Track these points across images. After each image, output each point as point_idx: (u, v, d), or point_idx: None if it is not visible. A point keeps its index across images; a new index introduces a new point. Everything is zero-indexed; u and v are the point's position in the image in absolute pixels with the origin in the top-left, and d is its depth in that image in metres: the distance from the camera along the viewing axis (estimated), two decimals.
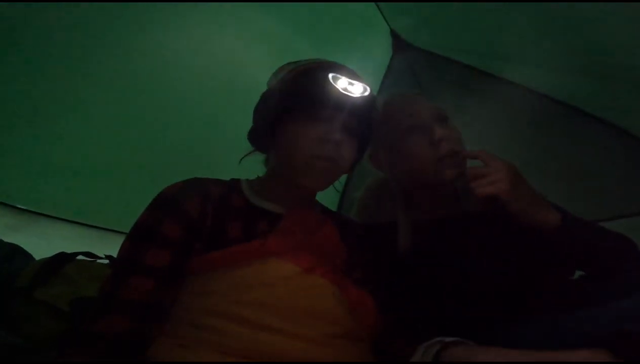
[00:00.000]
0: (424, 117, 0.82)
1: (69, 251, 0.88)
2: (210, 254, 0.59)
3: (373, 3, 1.47)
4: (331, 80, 0.67)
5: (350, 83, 0.68)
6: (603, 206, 1.37)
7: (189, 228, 0.60)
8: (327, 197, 0.85)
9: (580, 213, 0.79)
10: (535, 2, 1.08)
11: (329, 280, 0.61)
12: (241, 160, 0.76)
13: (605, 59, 1.13)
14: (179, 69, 1.23)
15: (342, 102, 0.67)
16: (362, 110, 0.71)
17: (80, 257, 0.90)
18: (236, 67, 1.31)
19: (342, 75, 0.68)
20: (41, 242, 0.96)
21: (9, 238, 0.96)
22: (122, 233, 0.61)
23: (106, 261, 0.89)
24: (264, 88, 0.76)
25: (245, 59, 1.32)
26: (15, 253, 0.95)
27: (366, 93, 0.70)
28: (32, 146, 1.02)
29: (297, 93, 0.68)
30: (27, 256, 0.97)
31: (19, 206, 1.02)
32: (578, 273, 0.78)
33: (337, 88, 0.67)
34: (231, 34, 1.30)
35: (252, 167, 0.78)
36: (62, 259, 0.87)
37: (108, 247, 0.84)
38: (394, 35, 1.59)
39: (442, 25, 1.46)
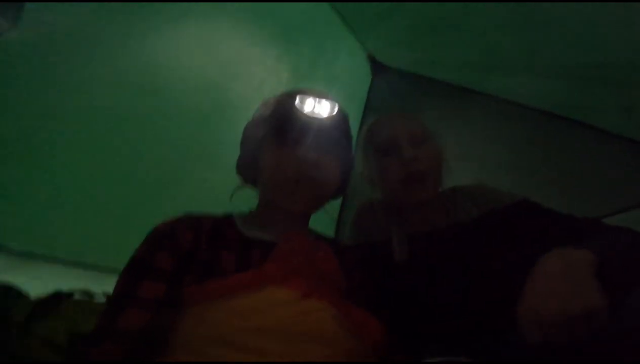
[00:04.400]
0: (397, 139, 0.87)
1: (64, 290, 0.89)
2: (207, 284, 0.60)
3: (346, 28, 1.52)
4: (299, 104, 0.73)
5: (318, 105, 0.74)
6: (594, 205, 1.40)
7: (183, 260, 0.62)
8: (324, 226, 0.87)
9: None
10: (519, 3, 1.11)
11: (328, 302, 0.61)
12: (232, 196, 0.80)
13: (583, 61, 1.18)
14: (170, 99, 1.25)
15: (312, 123, 0.73)
16: (335, 128, 0.76)
17: (77, 296, 0.91)
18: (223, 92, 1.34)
19: (309, 97, 0.74)
20: (36, 283, 0.96)
21: (2, 280, 0.95)
22: (119, 271, 0.63)
23: (104, 299, 0.90)
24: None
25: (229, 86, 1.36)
26: (10, 291, 0.95)
27: (335, 112, 0.75)
28: (21, 185, 1.02)
29: (273, 120, 0.74)
30: (21, 295, 0.96)
31: (12, 247, 1.03)
32: None
33: (305, 111, 0.73)
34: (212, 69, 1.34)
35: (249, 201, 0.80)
36: (59, 297, 0.88)
37: (105, 287, 0.85)
38: (371, 58, 1.65)
39: (417, 45, 1.51)
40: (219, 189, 0.82)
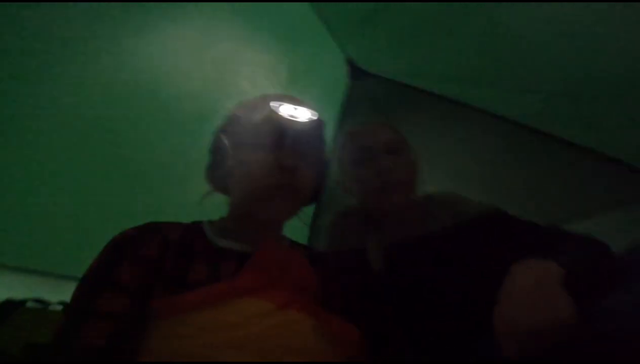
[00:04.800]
0: (372, 148, 0.88)
1: (16, 298, 0.84)
2: (177, 297, 0.56)
3: (326, 31, 1.51)
4: (274, 108, 0.71)
5: (294, 110, 0.72)
6: (559, 212, 1.45)
7: (147, 270, 0.59)
8: (297, 232, 0.86)
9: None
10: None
11: (306, 313, 0.60)
12: (201, 201, 0.77)
13: (553, 75, 1.21)
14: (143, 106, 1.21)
15: (288, 128, 0.70)
16: (311, 134, 0.74)
17: (30, 304, 0.85)
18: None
19: (285, 103, 0.72)
20: None
21: None
22: (77, 278, 0.59)
23: (59, 307, 0.85)
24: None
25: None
26: None
27: (311, 118, 0.73)
28: None
29: (244, 125, 0.71)
30: None
31: None
32: None
33: (281, 116, 0.71)
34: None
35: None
36: (10, 306, 0.83)
37: (61, 294, 0.80)
38: (350, 63, 1.64)
39: (397, 53, 1.52)
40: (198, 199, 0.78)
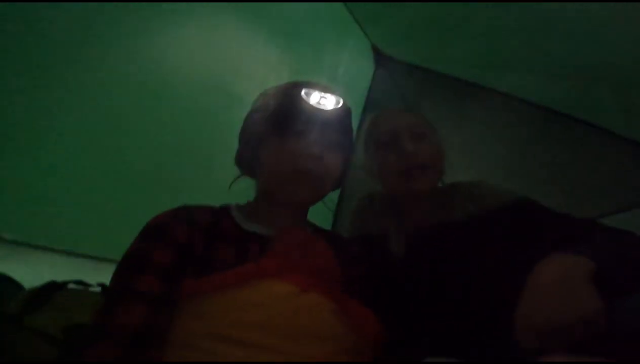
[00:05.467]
0: (397, 133, 0.87)
1: (59, 280, 0.88)
2: (204, 278, 0.59)
3: (352, 17, 1.50)
4: (304, 96, 0.72)
5: (323, 97, 0.73)
6: (592, 203, 1.41)
7: (179, 253, 0.61)
8: (321, 218, 0.87)
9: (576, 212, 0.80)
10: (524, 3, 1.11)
11: (327, 297, 0.61)
12: (230, 185, 0.79)
13: (589, 61, 1.17)
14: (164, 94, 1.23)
15: (317, 115, 0.71)
16: (339, 122, 0.75)
17: (71, 286, 0.89)
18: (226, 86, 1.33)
19: (315, 90, 0.73)
20: (30, 272, 0.94)
21: None
22: (115, 261, 0.62)
23: (99, 289, 0.88)
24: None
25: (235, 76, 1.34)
26: (3, 282, 0.94)
27: (340, 105, 0.74)
28: (17, 175, 1.01)
29: (274, 112, 0.73)
30: (16, 285, 0.95)
31: (6, 237, 1.01)
32: None
33: (310, 103, 0.72)
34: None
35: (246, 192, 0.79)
36: (53, 287, 0.86)
37: (101, 276, 0.83)
38: (375, 49, 1.63)
39: (421, 38, 1.50)
40: (221, 187, 0.81)
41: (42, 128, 1.03)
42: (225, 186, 0.80)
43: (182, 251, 0.61)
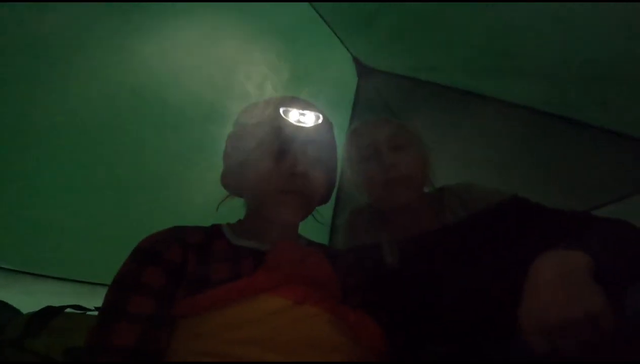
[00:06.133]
0: (376, 145, 0.88)
1: (56, 305, 0.90)
2: (198, 296, 0.58)
3: (331, 31, 1.51)
4: (283, 114, 0.72)
5: (302, 114, 0.73)
6: (583, 198, 1.43)
7: (171, 274, 0.61)
8: (317, 232, 0.87)
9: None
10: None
11: (322, 308, 0.61)
12: (218, 206, 0.79)
13: (562, 57, 1.18)
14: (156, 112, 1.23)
15: (297, 133, 0.71)
16: (321, 138, 0.75)
17: (69, 310, 0.91)
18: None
19: (293, 107, 0.73)
20: (28, 299, 0.96)
21: None
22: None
23: (96, 313, 0.90)
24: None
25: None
26: (2, 308, 0.95)
27: (319, 121, 0.74)
28: (14, 203, 1.02)
29: (253, 132, 0.72)
30: (14, 311, 0.97)
31: (4, 266, 1.02)
32: None
33: (291, 121, 0.72)
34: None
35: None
36: (51, 312, 0.88)
37: (98, 301, 0.85)
38: (356, 61, 1.64)
39: (401, 48, 1.52)
40: (217, 193, 0.82)
41: (37, 157, 1.03)
42: (225, 193, 0.80)
43: (175, 272, 0.62)
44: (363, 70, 1.66)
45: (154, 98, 1.22)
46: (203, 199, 0.80)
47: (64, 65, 1.03)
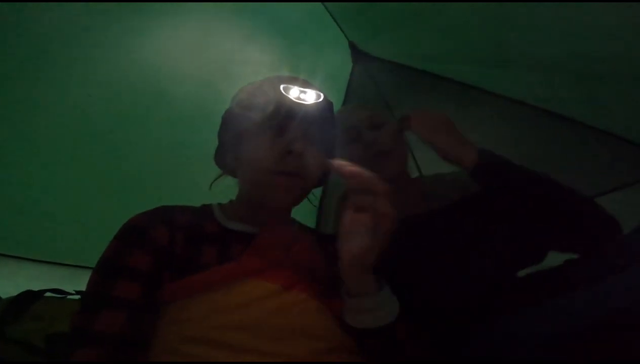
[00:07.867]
0: (357, 125, 0.92)
1: (36, 289, 0.86)
2: (185, 280, 0.57)
3: (330, 16, 1.50)
4: (283, 91, 0.68)
5: (303, 92, 0.70)
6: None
7: (158, 257, 0.59)
8: (305, 214, 0.87)
9: None
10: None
11: (310, 294, 0.60)
12: (211, 185, 0.77)
13: (551, 53, 1.18)
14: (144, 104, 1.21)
15: (296, 111, 0.68)
16: (319, 117, 0.71)
17: (49, 294, 0.88)
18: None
19: (294, 85, 0.70)
20: (7, 283, 0.92)
21: None
22: (92, 268, 0.60)
23: (77, 297, 0.87)
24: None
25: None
26: None
27: (320, 100, 0.71)
28: None
29: (253, 109, 0.69)
30: None
31: None
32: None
33: (290, 98, 0.68)
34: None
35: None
36: (30, 296, 0.85)
37: (79, 284, 0.82)
38: (352, 45, 1.62)
39: (397, 34, 1.50)
40: (216, 190, 0.79)
41: (17, 138, 1.00)
42: (218, 189, 0.78)
43: (162, 254, 0.59)
44: (359, 56, 1.63)
45: (153, 96, 1.22)
46: (201, 198, 0.76)
47: (63, 62, 1.03)
